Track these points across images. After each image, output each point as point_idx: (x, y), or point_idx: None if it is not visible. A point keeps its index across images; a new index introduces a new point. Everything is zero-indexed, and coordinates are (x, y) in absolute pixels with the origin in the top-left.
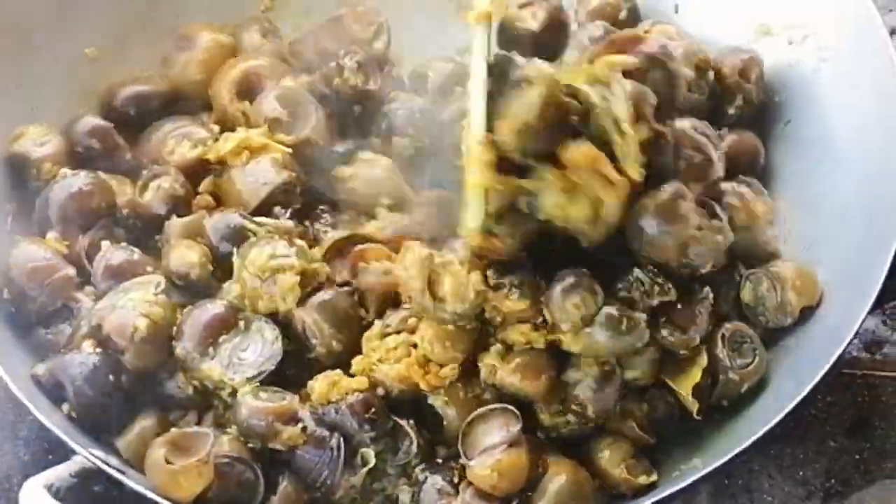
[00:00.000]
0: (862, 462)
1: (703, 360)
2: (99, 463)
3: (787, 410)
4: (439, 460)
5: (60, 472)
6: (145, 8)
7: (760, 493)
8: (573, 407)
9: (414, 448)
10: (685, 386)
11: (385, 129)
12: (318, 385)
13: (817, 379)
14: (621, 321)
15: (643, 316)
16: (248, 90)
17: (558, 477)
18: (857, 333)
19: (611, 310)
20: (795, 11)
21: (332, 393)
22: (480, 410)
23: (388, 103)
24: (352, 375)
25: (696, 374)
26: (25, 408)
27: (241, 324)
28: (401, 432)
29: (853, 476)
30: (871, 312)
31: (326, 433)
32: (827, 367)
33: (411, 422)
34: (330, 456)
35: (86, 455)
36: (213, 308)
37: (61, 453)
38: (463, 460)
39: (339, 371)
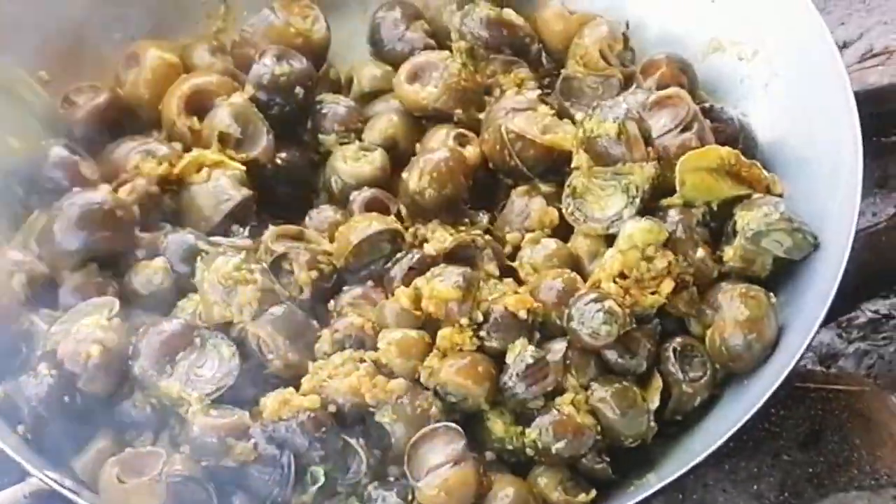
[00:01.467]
0: (815, 475)
1: (658, 382)
2: (53, 484)
3: (740, 424)
4: (391, 478)
5: (15, 494)
6: (100, 29)
7: None
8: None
9: (364, 467)
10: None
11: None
12: (270, 402)
13: (770, 392)
14: None
15: None
16: (197, 107)
17: (504, 493)
18: (810, 347)
19: None
20: (745, 27)
21: (283, 411)
22: (424, 430)
23: (317, 104)
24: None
25: (653, 398)
26: None
27: (197, 340)
28: (350, 451)
29: (807, 489)
30: (825, 326)
31: (277, 451)
32: (780, 380)
33: (361, 440)
34: (280, 473)
35: (40, 476)
36: (169, 326)
37: (15, 475)
38: (410, 482)
39: (291, 389)
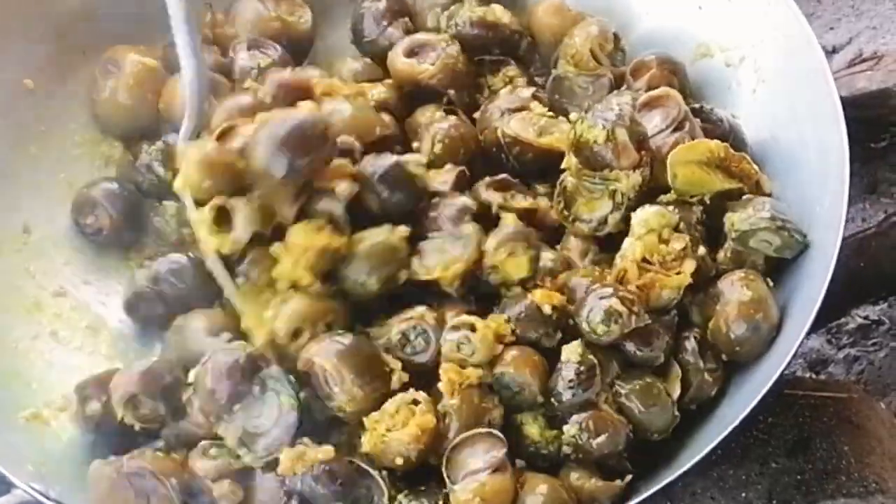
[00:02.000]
0: (804, 483)
1: (677, 371)
2: (38, 496)
3: (728, 431)
4: (422, 487)
5: None
6: (84, 35)
7: None
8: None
9: (385, 499)
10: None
11: None
12: (284, 458)
13: (758, 399)
14: None
15: None
16: None
17: (539, 489)
18: (799, 353)
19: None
20: (733, 33)
21: (298, 466)
22: (465, 434)
23: None
24: None
25: (675, 388)
26: None
27: (257, 389)
28: (374, 484)
29: (795, 497)
30: (814, 332)
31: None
32: (768, 387)
33: (383, 473)
34: None
35: (24, 488)
36: (231, 360)
37: (1, 487)
38: (448, 485)
39: (306, 440)
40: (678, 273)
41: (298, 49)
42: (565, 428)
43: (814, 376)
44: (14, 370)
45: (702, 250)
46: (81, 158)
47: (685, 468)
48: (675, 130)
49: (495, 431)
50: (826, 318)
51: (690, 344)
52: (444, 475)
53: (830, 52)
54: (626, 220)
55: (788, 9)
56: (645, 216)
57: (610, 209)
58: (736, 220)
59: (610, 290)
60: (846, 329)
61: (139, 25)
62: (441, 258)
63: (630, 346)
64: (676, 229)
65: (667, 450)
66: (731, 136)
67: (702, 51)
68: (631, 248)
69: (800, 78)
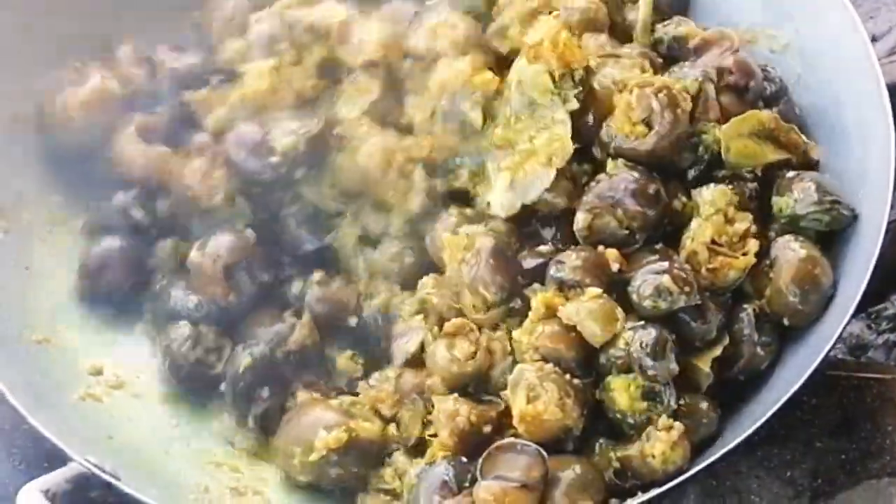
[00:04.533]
0: (848, 462)
1: (725, 339)
2: (94, 469)
3: (772, 411)
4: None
5: (56, 478)
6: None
7: (749, 494)
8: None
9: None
10: (705, 361)
11: None
12: None
13: (802, 380)
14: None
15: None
16: None
17: (569, 469)
18: (841, 338)
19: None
20: (777, 20)
21: None
22: (516, 441)
23: None
24: None
25: (716, 350)
26: (21, 416)
27: None
28: None
29: (839, 476)
30: (855, 317)
31: None
32: (812, 367)
33: None
34: None
35: (81, 461)
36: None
37: (57, 461)
38: (477, 476)
39: None
40: (744, 254)
41: None
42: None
43: (855, 360)
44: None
45: (754, 227)
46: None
47: (730, 446)
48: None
49: (542, 450)
50: (866, 304)
51: (747, 315)
52: (478, 465)
53: (871, 41)
54: (686, 194)
55: None
56: (711, 196)
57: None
58: (784, 205)
59: (665, 264)
60: (885, 315)
61: None
62: None
63: (685, 318)
64: (738, 207)
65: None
66: (785, 98)
67: (747, 37)
68: (700, 230)
69: (845, 65)
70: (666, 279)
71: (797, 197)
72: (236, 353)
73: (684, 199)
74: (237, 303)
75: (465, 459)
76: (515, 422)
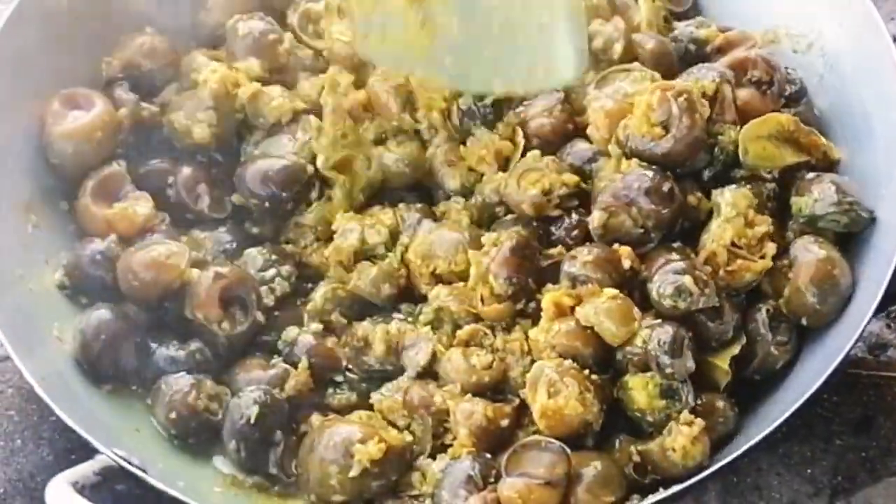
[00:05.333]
0: (868, 460)
1: (742, 338)
2: (121, 461)
3: (793, 409)
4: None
5: (85, 470)
6: None
7: (769, 491)
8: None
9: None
10: (723, 359)
11: None
12: None
13: (823, 379)
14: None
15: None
16: None
17: (590, 465)
18: (861, 336)
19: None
20: (800, 20)
21: None
22: (539, 438)
23: None
24: None
25: (733, 349)
26: (48, 408)
27: None
28: None
29: (860, 474)
30: (875, 316)
31: None
32: (833, 366)
33: None
34: None
35: (108, 454)
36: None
37: (83, 453)
38: (501, 472)
39: None
40: (762, 257)
41: None
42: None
43: (874, 359)
44: None
45: (772, 227)
46: None
47: (751, 443)
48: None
49: (566, 448)
50: (885, 303)
51: (761, 316)
52: (502, 463)
53: (893, 42)
54: (702, 191)
55: None
56: (732, 198)
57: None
58: (803, 205)
59: (683, 265)
60: None
61: None
62: None
63: (702, 318)
64: (757, 209)
65: (733, 425)
66: (805, 99)
67: (769, 37)
68: (720, 232)
69: (867, 65)
70: (687, 280)
71: (816, 197)
72: (237, 403)
73: (699, 195)
74: (229, 337)
75: (489, 455)
76: (536, 417)
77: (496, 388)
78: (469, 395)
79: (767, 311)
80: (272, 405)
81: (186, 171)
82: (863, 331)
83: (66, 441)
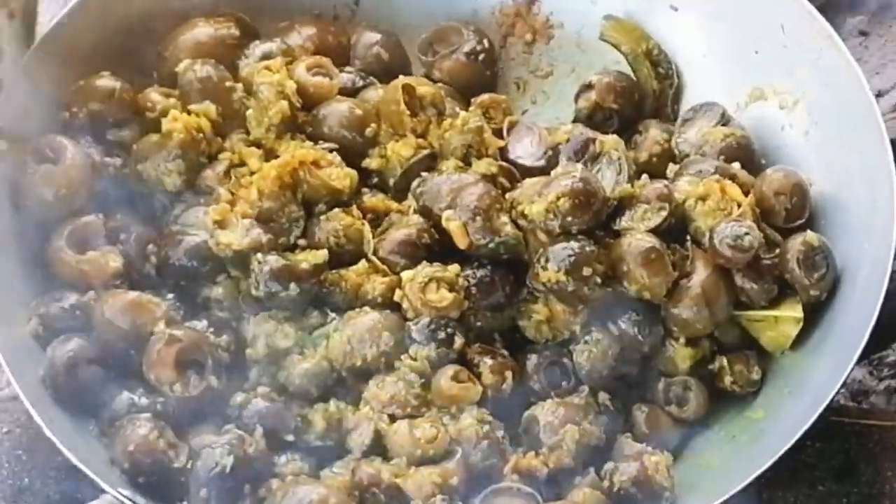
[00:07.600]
0: None
1: (798, 312)
2: (126, 501)
3: (778, 456)
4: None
5: None
6: None
7: None
8: None
9: None
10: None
11: None
12: None
13: (807, 426)
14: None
15: None
16: None
17: None
18: (844, 384)
19: None
20: (787, 78)
21: None
22: (511, 484)
23: None
24: None
25: (791, 331)
26: (55, 447)
27: None
28: None
29: None
30: (857, 364)
31: None
32: (816, 414)
33: None
34: None
35: (114, 494)
36: None
37: (90, 493)
38: None
39: None
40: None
41: None
42: None
43: (857, 405)
44: None
45: None
46: None
47: (735, 490)
48: None
49: (536, 494)
50: (868, 350)
51: (798, 262)
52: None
53: (876, 96)
54: None
55: (840, 53)
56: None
57: None
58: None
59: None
60: (887, 361)
61: None
62: None
63: (740, 280)
64: None
65: (717, 474)
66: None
67: (756, 94)
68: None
69: (851, 121)
70: (749, 224)
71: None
72: (210, 452)
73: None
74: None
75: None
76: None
77: (443, 458)
78: (414, 469)
79: (797, 255)
80: (244, 458)
81: (139, 230)
82: (845, 381)
83: (73, 480)
